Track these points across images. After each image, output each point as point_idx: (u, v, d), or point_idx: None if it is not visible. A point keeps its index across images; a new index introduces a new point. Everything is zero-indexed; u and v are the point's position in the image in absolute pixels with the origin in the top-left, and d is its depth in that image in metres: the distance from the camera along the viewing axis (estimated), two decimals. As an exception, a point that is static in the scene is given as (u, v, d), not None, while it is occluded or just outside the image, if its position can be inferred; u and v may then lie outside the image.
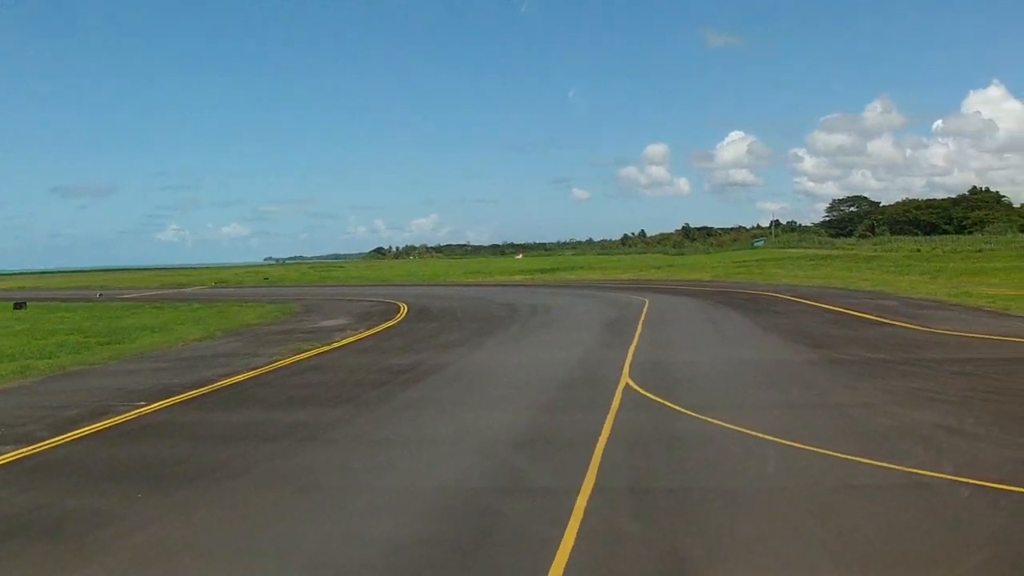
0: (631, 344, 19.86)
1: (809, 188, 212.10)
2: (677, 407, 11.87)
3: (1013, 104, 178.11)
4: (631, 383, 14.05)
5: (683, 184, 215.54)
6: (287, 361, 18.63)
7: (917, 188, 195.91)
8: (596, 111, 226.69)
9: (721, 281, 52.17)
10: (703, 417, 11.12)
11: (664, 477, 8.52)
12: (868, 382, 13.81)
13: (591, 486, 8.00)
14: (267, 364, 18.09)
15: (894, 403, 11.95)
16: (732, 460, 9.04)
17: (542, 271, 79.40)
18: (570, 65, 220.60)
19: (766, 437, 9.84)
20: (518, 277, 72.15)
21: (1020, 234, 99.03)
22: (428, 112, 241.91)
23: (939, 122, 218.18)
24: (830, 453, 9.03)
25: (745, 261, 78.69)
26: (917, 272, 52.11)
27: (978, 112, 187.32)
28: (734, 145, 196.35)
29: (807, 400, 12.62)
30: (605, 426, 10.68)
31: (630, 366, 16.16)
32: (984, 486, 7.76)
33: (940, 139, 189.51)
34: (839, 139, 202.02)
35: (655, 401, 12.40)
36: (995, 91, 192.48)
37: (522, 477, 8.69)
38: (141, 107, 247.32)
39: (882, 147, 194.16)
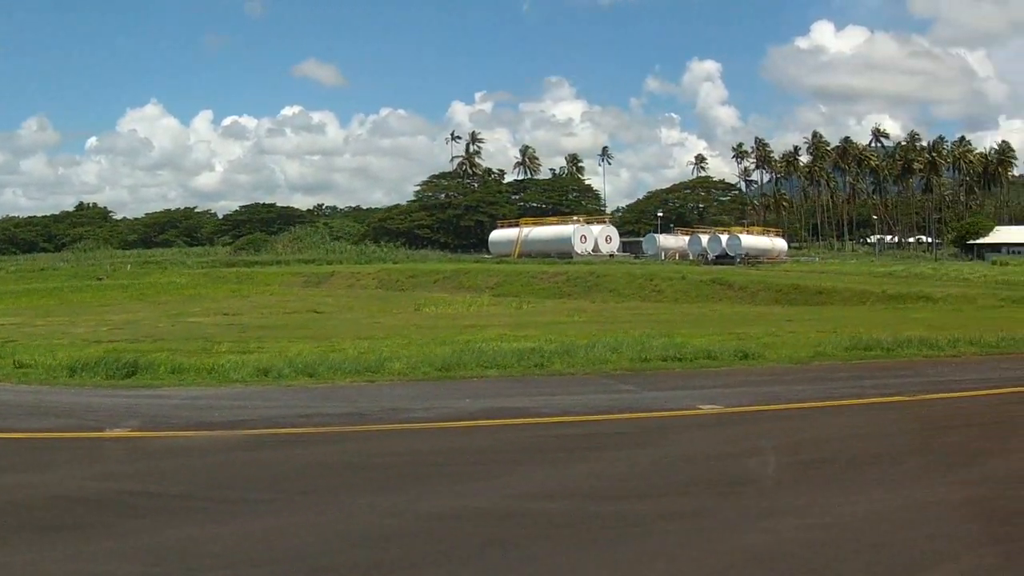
0: None
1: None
2: None
3: (170, 121, 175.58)
4: None
5: None
6: None
7: (68, 205, 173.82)
8: None
9: None
10: None
11: None
12: None
13: None
14: None
15: None
16: None
17: None
18: None
19: None
20: None
21: (117, 250, 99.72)
22: None
23: (93, 139, 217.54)
24: None
25: None
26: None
27: (134, 130, 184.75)
28: None
29: None
30: None
31: None
32: None
33: (94, 157, 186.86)
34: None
35: None
36: (152, 109, 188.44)
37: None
38: None
39: (35, 165, 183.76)
